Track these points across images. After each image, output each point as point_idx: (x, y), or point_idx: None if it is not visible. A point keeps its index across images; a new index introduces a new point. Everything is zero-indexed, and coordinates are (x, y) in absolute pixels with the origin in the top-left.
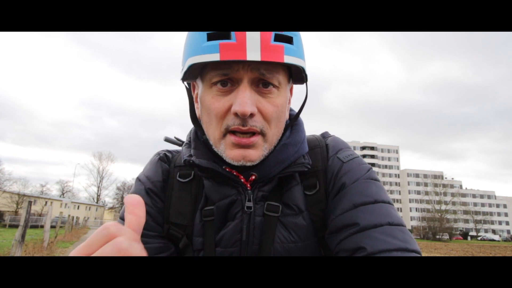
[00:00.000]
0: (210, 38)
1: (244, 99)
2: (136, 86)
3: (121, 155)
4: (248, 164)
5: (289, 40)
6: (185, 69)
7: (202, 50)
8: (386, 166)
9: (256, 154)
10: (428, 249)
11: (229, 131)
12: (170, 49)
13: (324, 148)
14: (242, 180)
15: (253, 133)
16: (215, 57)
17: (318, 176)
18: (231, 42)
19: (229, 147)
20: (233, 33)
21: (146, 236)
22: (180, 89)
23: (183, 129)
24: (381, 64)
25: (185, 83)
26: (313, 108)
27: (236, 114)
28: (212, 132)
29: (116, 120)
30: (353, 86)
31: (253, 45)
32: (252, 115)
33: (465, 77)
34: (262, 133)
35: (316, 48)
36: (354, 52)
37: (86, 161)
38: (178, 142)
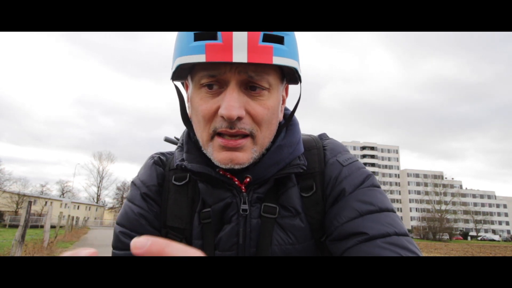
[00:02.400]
0: (197, 38)
1: (231, 102)
2: (129, 84)
3: (118, 154)
4: (237, 167)
5: (280, 40)
6: (173, 69)
7: (189, 50)
8: (386, 166)
9: (244, 156)
10: (428, 249)
11: (217, 133)
12: (162, 46)
13: (321, 149)
14: (237, 182)
15: (241, 136)
16: (201, 58)
17: (315, 178)
18: (217, 43)
19: (216, 149)
20: (219, 34)
21: None
22: (174, 88)
23: (179, 129)
24: (376, 62)
25: (175, 82)
26: (308, 107)
27: (223, 117)
28: (201, 134)
29: (111, 119)
30: (349, 84)
31: (240, 46)
32: (240, 118)
33: (461, 76)
34: (251, 135)
35: (310, 45)
36: (349, 49)
37: (85, 161)
38: (178, 142)
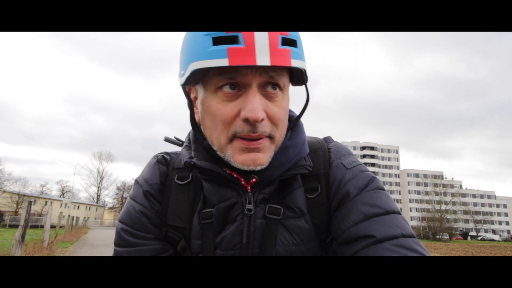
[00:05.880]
0: (216, 42)
1: (255, 104)
2: (118, 81)
3: (113, 154)
4: (258, 168)
5: (294, 44)
6: (187, 74)
7: (208, 55)
8: (386, 166)
9: (264, 157)
10: (428, 249)
11: (237, 137)
12: (149, 41)
13: (326, 151)
14: (243, 182)
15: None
16: (224, 62)
17: (320, 179)
18: (240, 47)
19: (237, 152)
20: (240, 37)
21: (144, 239)
22: (166, 86)
23: (172, 128)
24: (370, 58)
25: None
26: (303, 105)
27: (245, 120)
28: (217, 138)
29: (103, 117)
30: (342, 81)
31: (262, 49)
32: (261, 120)
33: (456, 72)
34: (270, 137)
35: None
36: (342, 45)
37: (81, 161)
38: (178, 142)
